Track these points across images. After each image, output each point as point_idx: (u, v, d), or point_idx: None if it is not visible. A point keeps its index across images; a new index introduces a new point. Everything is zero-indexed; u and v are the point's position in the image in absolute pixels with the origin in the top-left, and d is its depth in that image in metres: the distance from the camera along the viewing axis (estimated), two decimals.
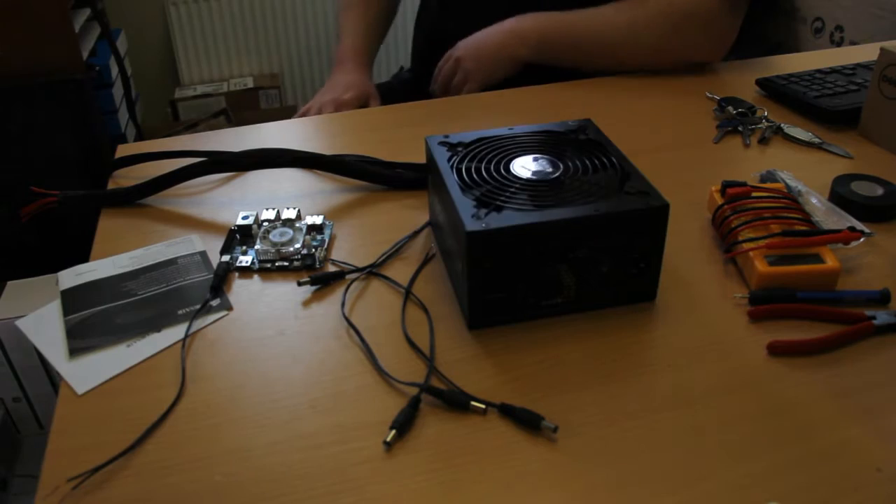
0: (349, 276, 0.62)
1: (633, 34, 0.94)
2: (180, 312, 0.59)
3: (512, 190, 0.56)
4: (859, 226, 0.64)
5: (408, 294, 0.59)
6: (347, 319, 0.57)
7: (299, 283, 0.61)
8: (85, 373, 0.53)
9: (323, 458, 0.46)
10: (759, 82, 0.92)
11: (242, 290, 0.61)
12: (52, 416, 0.50)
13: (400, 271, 0.62)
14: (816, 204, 0.67)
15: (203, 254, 0.65)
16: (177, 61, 2.43)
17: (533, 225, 0.52)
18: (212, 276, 0.62)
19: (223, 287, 0.61)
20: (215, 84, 2.45)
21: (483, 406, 0.49)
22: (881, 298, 0.57)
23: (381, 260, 0.63)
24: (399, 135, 0.85)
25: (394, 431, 0.47)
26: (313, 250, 0.64)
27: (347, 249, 0.66)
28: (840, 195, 0.68)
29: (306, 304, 0.59)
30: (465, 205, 0.54)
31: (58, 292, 0.62)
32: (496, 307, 0.55)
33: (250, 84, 2.43)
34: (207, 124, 2.23)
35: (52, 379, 1.41)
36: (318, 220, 0.67)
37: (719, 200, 0.65)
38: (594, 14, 0.95)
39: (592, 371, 0.52)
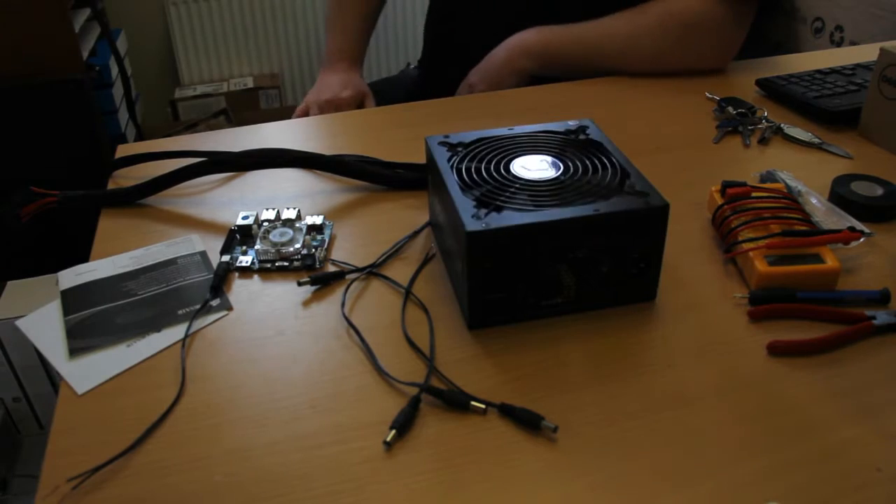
0: (349, 276, 0.62)
1: (634, 44, 0.95)
2: (180, 312, 0.59)
3: (512, 190, 0.56)
4: (859, 226, 0.64)
5: (408, 294, 0.59)
6: (347, 319, 0.57)
7: (299, 283, 0.61)
8: (85, 373, 0.53)
9: (323, 458, 0.46)
10: (759, 82, 0.92)
11: (242, 290, 0.61)
12: (52, 416, 0.50)
13: (400, 271, 0.62)
14: (816, 204, 0.67)
15: (203, 254, 0.65)
16: (177, 61, 2.44)
17: (533, 225, 0.52)
18: (212, 276, 0.62)
19: (223, 287, 0.61)
20: (215, 84, 2.45)
21: (483, 406, 0.49)
22: (881, 298, 0.57)
23: (381, 260, 0.63)
24: (399, 135, 0.85)
25: (394, 431, 0.47)
26: (313, 250, 0.64)
27: (347, 249, 0.66)
28: (840, 195, 0.68)
29: (306, 304, 0.59)
30: (465, 205, 0.54)
31: (58, 292, 0.62)
32: (496, 307, 0.55)
33: (250, 84, 2.44)
34: (207, 124, 2.24)
35: (52, 379, 1.41)
36: (318, 220, 0.67)
37: (719, 200, 0.65)
38: (596, 25, 0.95)
39: (592, 371, 0.52)
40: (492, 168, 0.59)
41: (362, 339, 0.55)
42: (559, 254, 0.53)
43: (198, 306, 0.59)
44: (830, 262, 0.57)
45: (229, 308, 0.59)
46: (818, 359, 0.52)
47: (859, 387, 0.50)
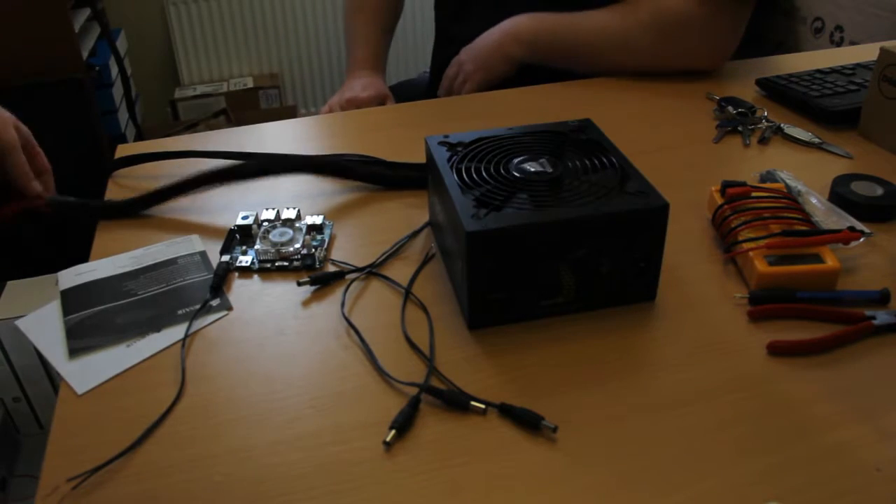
0: (349, 276, 0.62)
1: (625, 40, 0.94)
2: (180, 312, 0.59)
3: (512, 190, 0.56)
4: (859, 226, 0.64)
5: (408, 294, 0.59)
6: (347, 319, 0.57)
7: (299, 283, 0.61)
8: (85, 373, 0.53)
9: (323, 458, 0.46)
10: (759, 82, 0.92)
11: (242, 290, 0.61)
12: (52, 416, 0.50)
13: (400, 271, 0.62)
14: (816, 204, 0.67)
15: (203, 254, 0.65)
16: (177, 61, 2.44)
17: (533, 225, 0.52)
18: (212, 276, 0.62)
19: (223, 287, 0.61)
20: (215, 84, 2.45)
21: (483, 406, 0.49)
22: (881, 298, 0.57)
23: (380, 260, 0.63)
24: (399, 135, 0.85)
25: (393, 431, 0.47)
26: (313, 250, 0.64)
27: (347, 249, 0.66)
28: (840, 195, 0.68)
29: (306, 304, 0.59)
30: (464, 205, 0.54)
31: (58, 292, 0.62)
32: (496, 307, 0.55)
33: (250, 84, 2.43)
34: (207, 124, 2.24)
35: (52, 379, 1.41)
36: (317, 220, 0.67)
37: (719, 200, 0.65)
38: (587, 17, 0.95)
39: (592, 371, 0.52)
40: (492, 168, 0.59)
41: (362, 339, 0.55)
42: (559, 254, 0.53)
43: (198, 306, 0.59)
44: (830, 262, 0.57)
45: (229, 308, 0.59)
46: (818, 359, 0.52)
47: (859, 387, 0.50)
